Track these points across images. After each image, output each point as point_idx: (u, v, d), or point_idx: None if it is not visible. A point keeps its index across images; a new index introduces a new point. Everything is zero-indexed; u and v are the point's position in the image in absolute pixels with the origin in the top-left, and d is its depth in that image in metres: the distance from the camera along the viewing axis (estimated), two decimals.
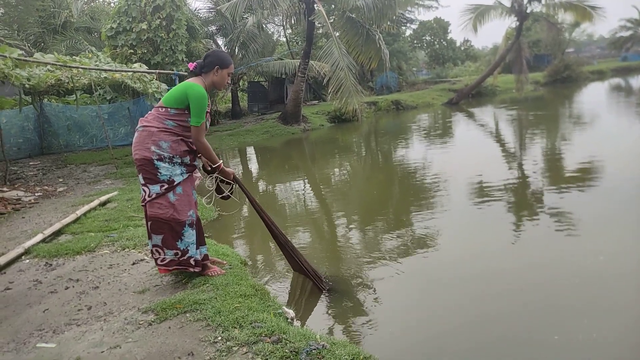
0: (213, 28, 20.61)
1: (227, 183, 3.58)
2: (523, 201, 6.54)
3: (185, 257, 3.29)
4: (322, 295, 3.78)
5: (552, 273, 4.11)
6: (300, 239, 5.62)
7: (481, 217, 5.91)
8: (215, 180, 3.50)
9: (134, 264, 3.99)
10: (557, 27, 25.68)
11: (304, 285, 3.96)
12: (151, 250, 3.33)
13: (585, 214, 5.53)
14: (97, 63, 9.87)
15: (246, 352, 2.41)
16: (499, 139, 13.42)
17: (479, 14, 22.88)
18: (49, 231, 4.96)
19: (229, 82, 3.49)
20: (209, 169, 3.51)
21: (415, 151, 11.96)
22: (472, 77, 29.85)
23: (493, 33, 33.98)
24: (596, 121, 14.46)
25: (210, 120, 3.54)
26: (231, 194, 3.62)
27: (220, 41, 21.37)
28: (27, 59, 8.14)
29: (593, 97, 23.54)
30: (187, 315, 2.87)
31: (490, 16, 22.91)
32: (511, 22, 24.18)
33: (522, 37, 24.04)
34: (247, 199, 3.77)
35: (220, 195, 3.61)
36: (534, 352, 2.99)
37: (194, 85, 3.18)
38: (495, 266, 4.34)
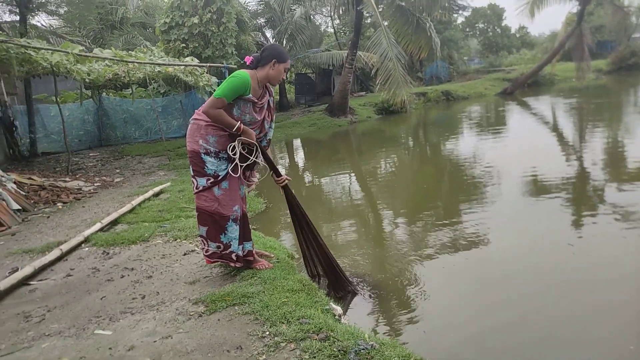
0: (262, 20, 20.83)
1: (250, 151, 3.28)
2: (580, 197, 6.20)
3: (227, 252, 3.32)
4: (367, 292, 3.71)
5: (613, 272, 3.88)
6: (346, 232, 5.57)
7: (535, 213, 5.65)
8: (239, 144, 3.21)
9: (185, 254, 4.08)
10: (624, 11, 23.88)
11: (353, 279, 3.91)
12: (200, 239, 3.41)
13: None
14: (152, 57, 10.20)
15: (294, 349, 2.39)
16: (556, 130, 12.73)
17: None
18: (106, 220, 5.18)
19: (284, 77, 3.38)
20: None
21: (466, 143, 11.56)
22: (528, 66, 28.49)
23: (551, 19, 32.29)
24: None
25: (271, 117, 3.42)
26: (256, 159, 3.31)
27: (268, 33, 21.58)
28: (88, 54, 8.52)
29: None
30: (236, 308, 2.90)
31: (549, 1, 21.70)
32: (572, 6, 22.86)
33: (583, 22, 22.62)
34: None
35: (245, 163, 3.30)
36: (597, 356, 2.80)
37: (238, 71, 3.16)
38: (550, 263, 4.15)
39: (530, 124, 14.21)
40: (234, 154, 3.20)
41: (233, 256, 3.32)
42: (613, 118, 13.38)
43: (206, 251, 3.36)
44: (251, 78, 3.15)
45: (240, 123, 3.13)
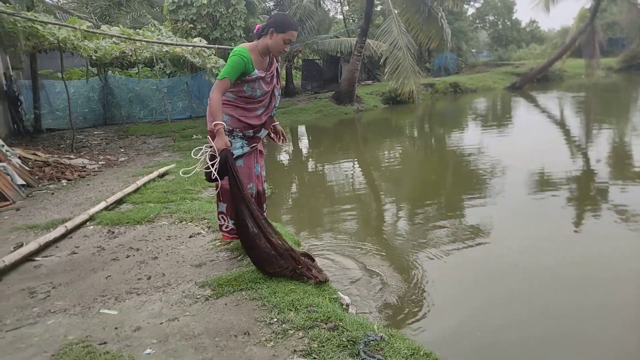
0: (271, 4, 20.55)
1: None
2: (585, 194, 6.24)
3: None
4: (372, 283, 3.68)
5: (615, 270, 3.92)
6: (348, 222, 5.53)
7: (540, 209, 5.67)
8: (205, 148, 2.97)
9: (190, 237, 4.05)
10: (638, 8, 23.52)
11: (357, 270, 3.89)
12: (217, 216, 3.48)
13: None
14: (159, 37, 10.08)
15: (302, 337, 2.36)
16: (563, 126, 12.63)
17: None
18: (111, 199, 5.14)
19: (286, 49, 3.15)
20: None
21: (472, 137, 11.48)
22: (537, 61, 28.17)
23: (561, 14, 31.84)
24: None
25: (279, 84, 3.36)
26: (218, 174, 2.90)
27: None
28: (95, 31, 8.41)
29: None
30: (243, 293, 2.86)
31: None
32: (586, 1, 22.50)
33: (596, 18, 22.30)
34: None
35: (205, 168, 2.96)
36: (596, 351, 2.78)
37: (237, 47, 3.12)
38: (554, 260, 4.16)
39: (538, 119, 14.10)
40: (199, 156, 2.99)
41: None
42: (620, 118, 13.27)
43: (225, 227, 3.44)
44: (251, 51, 3.09)
45: (220, 126, 2.92)
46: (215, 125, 2.90)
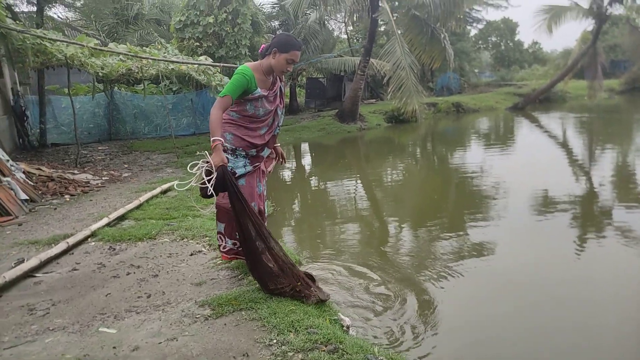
0: (276, 23, 20.88)
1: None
2: (587, 215, 6.23)
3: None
4: (374, 303, 3.65)
5: (617, 290, 3.92)
6: (349, 240, 5.51)
7: (541, 228, 5.65)
8: (202, 163, 2.96)
9: (191, 254, 4.04)
10: None
11: (359, 290, 3.86)
12: (216, 235, 3.45)
13: None
14: (166, 55, 10.22)
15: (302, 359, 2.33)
16: (565, 147, 12.65)
17: (554, 15, 21.65)
18: (113, 215, 5.15)
19: (289, 69, 3.17)
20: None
21: (475, 156, 11.50)
22: (539, 81, 28.38)
23: (563, 36, 32.17)
24: None
25: (283, 104, 3.38)
26: (214, 190, 2.89)
27: None
28: (103, 48, 8.53)
29: None
30: (243, 313, 2.85)
31: (567, 18, 21.64)
32: (588, 24, 22.72)
33: (598, 40, 22.51)
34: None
35: (201, 183, 2.95)
36: None
37: (241, 65, 3.15)
38: (556, 278, 4.18)
39: (541, 140, 14.13)
40: (195, 170, 2.97)
41: None
42: (624, 137, 13.30)
43: (223, 247, 3.40)
44: (254, 70, 3.11)
45: (218, 142, 2.89)
46: (213, 141, 2.90)
